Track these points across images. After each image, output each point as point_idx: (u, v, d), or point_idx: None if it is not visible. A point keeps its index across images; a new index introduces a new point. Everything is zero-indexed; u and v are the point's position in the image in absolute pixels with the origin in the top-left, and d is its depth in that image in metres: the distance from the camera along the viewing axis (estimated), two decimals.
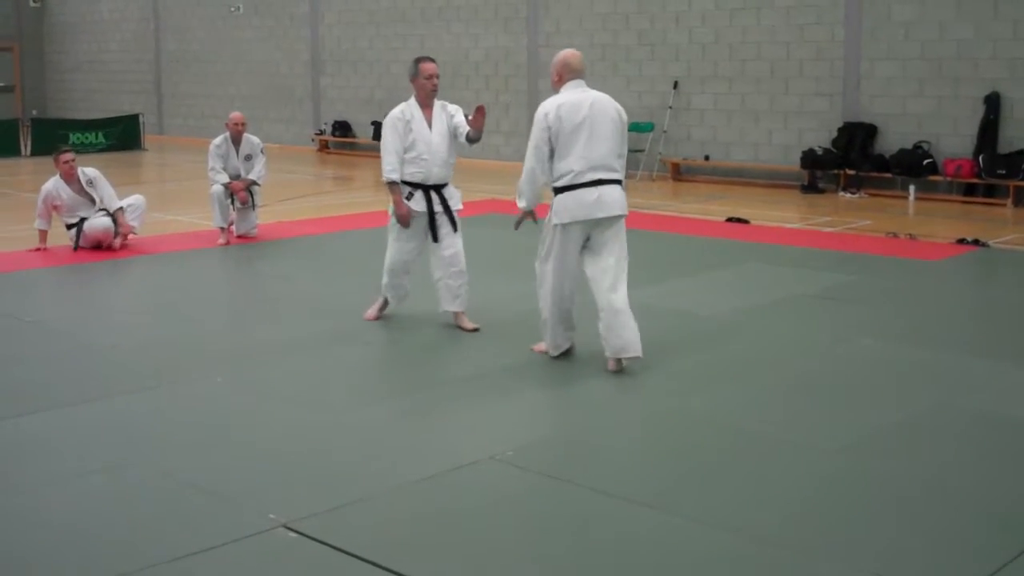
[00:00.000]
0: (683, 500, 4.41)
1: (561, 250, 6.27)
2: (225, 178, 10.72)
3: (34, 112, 26.14)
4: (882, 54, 14.64)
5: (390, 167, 7.00)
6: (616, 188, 6.23)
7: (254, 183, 10.88)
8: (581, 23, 17.70)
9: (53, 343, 7.04)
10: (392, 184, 7.03)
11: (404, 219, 7.08)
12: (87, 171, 10.27)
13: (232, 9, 23.78)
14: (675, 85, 16.66)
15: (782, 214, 12.98)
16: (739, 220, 12.17)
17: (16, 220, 12.78)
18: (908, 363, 6.46)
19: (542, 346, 6.61)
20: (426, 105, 7.05)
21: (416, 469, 4.75)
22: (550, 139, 6.14)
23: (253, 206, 10.97)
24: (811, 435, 5.19)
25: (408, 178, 7.06)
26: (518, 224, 6.55)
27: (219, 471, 4.77)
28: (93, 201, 10.17)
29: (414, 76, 7.01)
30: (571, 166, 6.12)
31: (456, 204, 7.18)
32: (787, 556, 3.94)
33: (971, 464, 4.84)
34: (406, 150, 7.00)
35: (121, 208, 10.29)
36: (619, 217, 6.24)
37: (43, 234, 10.16)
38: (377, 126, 20.79)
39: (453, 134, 7.05)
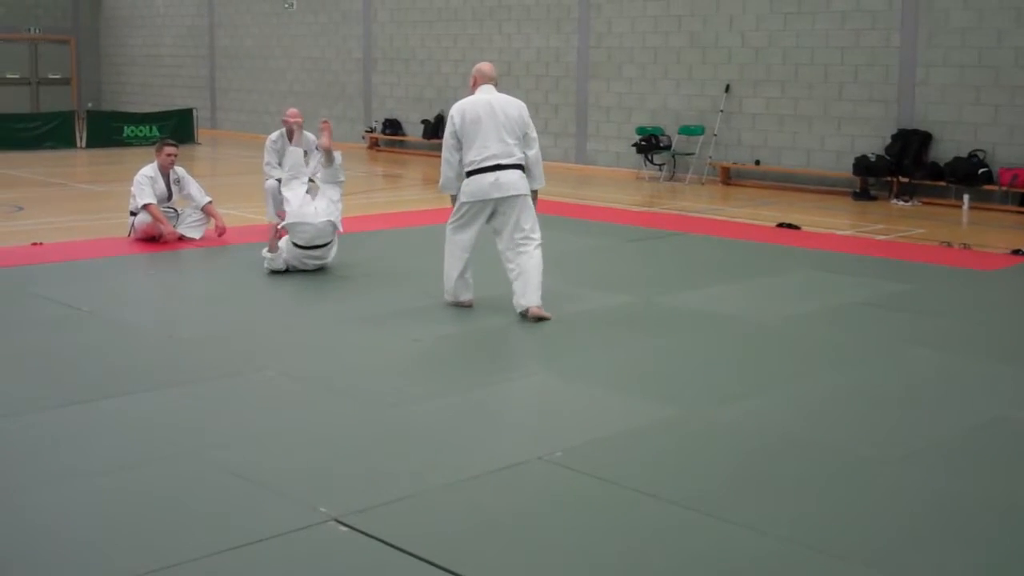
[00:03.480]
0: (734, 506, 4.38)
1: None
2: (280, 173, 10.81)
3: (89, 104, 26.49)
4: (938, 61, 14.47)
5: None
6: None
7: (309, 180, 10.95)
8: (633, 25, 17.64)
9: (108, 334, 7.14)
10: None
11: None
12: (177, 169, 10.66)
13: (285, 5, 23.97)
14: (727, 88, 16.57)
15: (833, 221, 12.87)
16: (790, 226, 12.08)
17: (71, 211, 12.98)
18: (964, 374, 6.38)
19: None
20: None
21: (465, 467, 4.76)
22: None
23: None
24: (866, 445, 5.14)
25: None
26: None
27: (270, 464, 4.81)
28: (171, 196, 10.59)
29: None
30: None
31: None
32: (836, 565, 3.91)
33: None
34: None
35: (210, 201, 10.69)
36: None
37: (151, 207, 10.30)
38: (427, 125, 20.86)
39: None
